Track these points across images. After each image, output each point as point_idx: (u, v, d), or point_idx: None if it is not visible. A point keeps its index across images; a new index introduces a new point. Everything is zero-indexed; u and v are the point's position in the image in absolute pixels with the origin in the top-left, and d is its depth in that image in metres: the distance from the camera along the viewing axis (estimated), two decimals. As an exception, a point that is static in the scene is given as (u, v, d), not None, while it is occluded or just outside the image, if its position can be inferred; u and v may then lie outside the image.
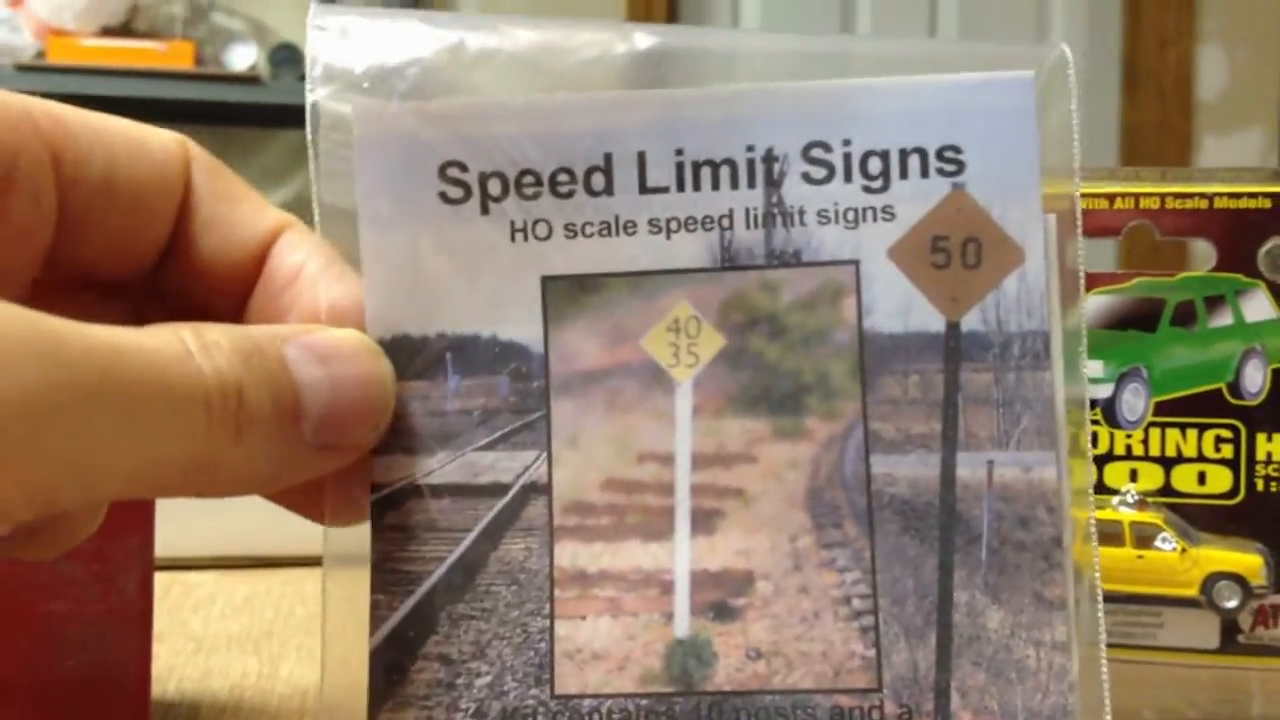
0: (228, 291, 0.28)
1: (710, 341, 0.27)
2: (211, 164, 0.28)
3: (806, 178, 0.27)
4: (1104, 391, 0.39)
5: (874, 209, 0.27)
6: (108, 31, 2.07)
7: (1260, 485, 0.39)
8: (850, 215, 0.27)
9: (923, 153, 0.27)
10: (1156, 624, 0.39)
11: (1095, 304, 0.40)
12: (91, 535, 0.30)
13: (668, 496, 0.27)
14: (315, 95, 0.27)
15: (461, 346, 0.27)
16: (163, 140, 0.27)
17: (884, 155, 0.27)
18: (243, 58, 2.15)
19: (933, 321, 0.26)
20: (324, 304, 0.27)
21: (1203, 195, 0.39)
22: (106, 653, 0.31)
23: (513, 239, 0.27)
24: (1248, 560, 0.38)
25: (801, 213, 0.27)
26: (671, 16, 2.35)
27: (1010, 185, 0.26)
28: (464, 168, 0.27)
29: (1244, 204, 0.38)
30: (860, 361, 0.27)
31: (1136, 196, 0.39)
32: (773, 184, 0.27)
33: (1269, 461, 0.39)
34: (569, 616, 0.27)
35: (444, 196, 0.27)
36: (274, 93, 2.11)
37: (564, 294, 0.27)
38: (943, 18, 2.35)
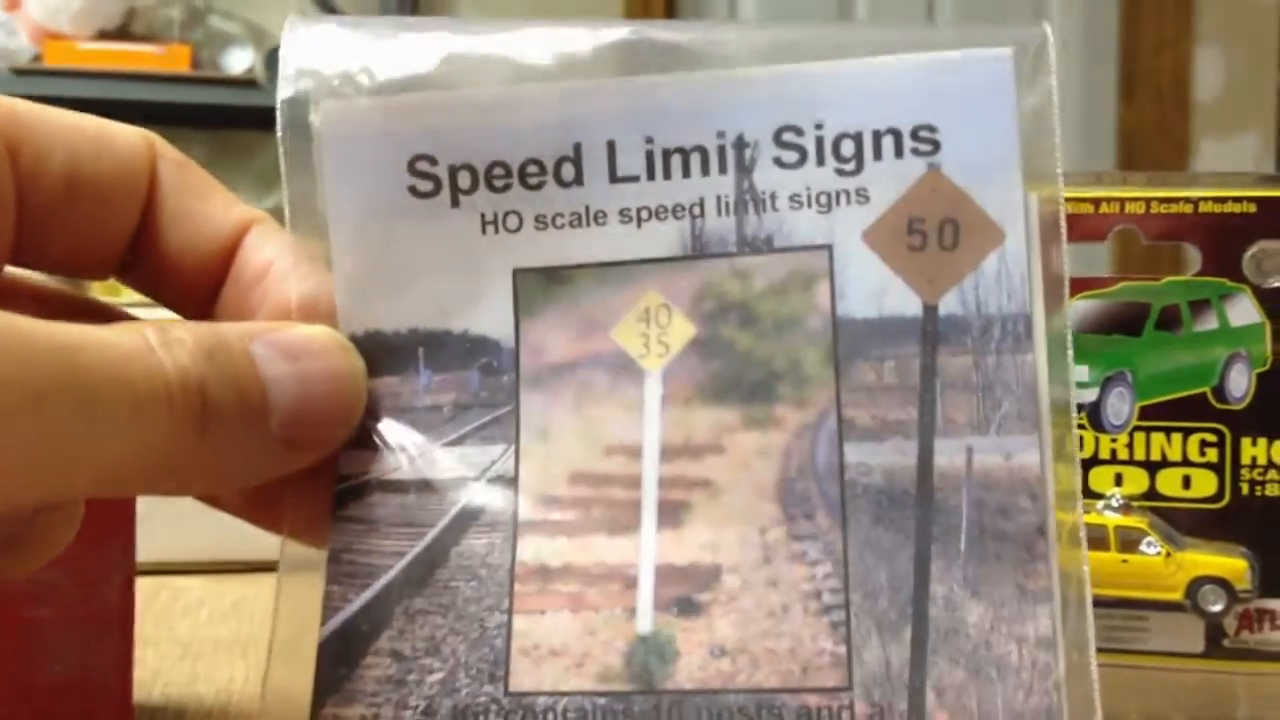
0: (196, 286, 0.28)
1: (681, 330, 0.26)
2: (178, 159, 0.28)
3: (778, 162, 0.26)
4: (1089, 395, 0.39)
5: (847, 192, 0.26)
6: (104, 35, 2.07)
7: (1245, 489, 0.39)
8: (823, 199, 0.26)
9: (897, 133, 0.26)
10: (1142, 628, 0.39)
11: (1080, 308, 0.40)
12: (72, 542, 0.29)
13: (635, 489, 0.26)
14: (284, 94, 0.27)
15: (433, 341, 0.27)
16: (128, 136, 0.27)
17: (857, 137, 0.26)
18: (239, 61, 2.15)
19: (909, 305, 0.26)
20: (294, 299, 0.27)
21: (1188, 199, 0.39)
22: (88, 659, 0.31)
23: (484, 231, 0.27)
24: (1232, 564, 0.38)
25: (773, 198, 0.26)
26: (669, 13, 2.35)
27: (988, 164, 0.26)
28: (433, 161, 0.27)
29: (1229, 208, 0.38)
30: (834, 348, 0.26)
31: (1122, 201, 0.39)
32: (744, 170, 0.26)
33: (1254, 466, 0.39)
34: (528, 612, 0.26)
35: (414, 190, 0.27)
36: (270, 96, 2.09)
37: (535, 286, 0.27)
38: (939, 18, 2.35)
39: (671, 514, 0.26)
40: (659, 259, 0.26)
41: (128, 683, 0.31)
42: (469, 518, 0.26)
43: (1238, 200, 0.38)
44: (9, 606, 0.30)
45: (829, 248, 0.26)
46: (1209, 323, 0.39)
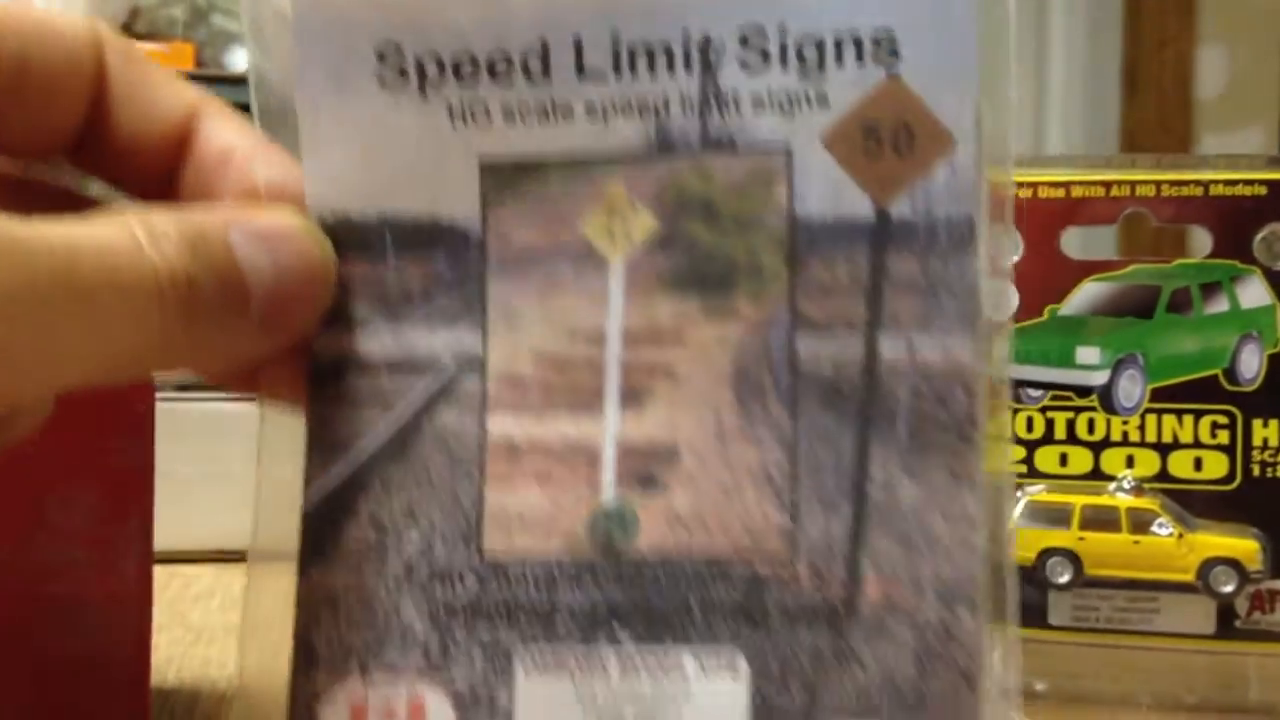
0: (151, 170, 0.28)
1: (644, 224, 0.27)
2: (124, 45, 0.28)
3: (742, 64, 0.27)
4: (1100, 378, 0.40)
5: (808, 96, 0.27)
6: (108, 33, 2.07)
7: (1256, 470, 0.39)
8: (785, 102, 0.27)
9: (858, 39, 0.27)
10: (1153, 610, 0.39)
11: (1092, 291, 0.40)
12: (90, 519, 0.30)
13: (598, 372, 0.27)
14: None
15: (401, 226, 0.28)
16: (74, 24, 0.28)
17: (819, 43, 0.27)
18: (243, 59, 2.15)
19: (862, 208, 0.27)
20: (261, 183, 0.27)
21: (1198, 182, 0.39)
22: (105, 636, 0.31)
23: (451, 122, 0.27)
24: (1244, 545, 0.39)
25: (736, 100, 0.27)
26: None
27: (945, 72, 0.27)
28: (401, 51, 0.27)
29: (1240, 191, 0.39)
30: (790, 245, 0.27)
31: (1133, 184, 0.39)
32: (708, 71, 0.27)
33: (1265, 447, 0.39)
34: (498, 485, 0.27)
35: (381, 80, 0.27)
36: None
37: (501, 177, 0.27)
38: None
39: (633, 397, 0.27)
40: (624, 155, 0.27)
41: (146, 661, 0.31)
42: (440, 395, 0.28)
43: (1248, 183, 0.39)
44: (25, 583, 0.30)
45: (789, 150, 0.27)
46: (1220, 305, 0.39)
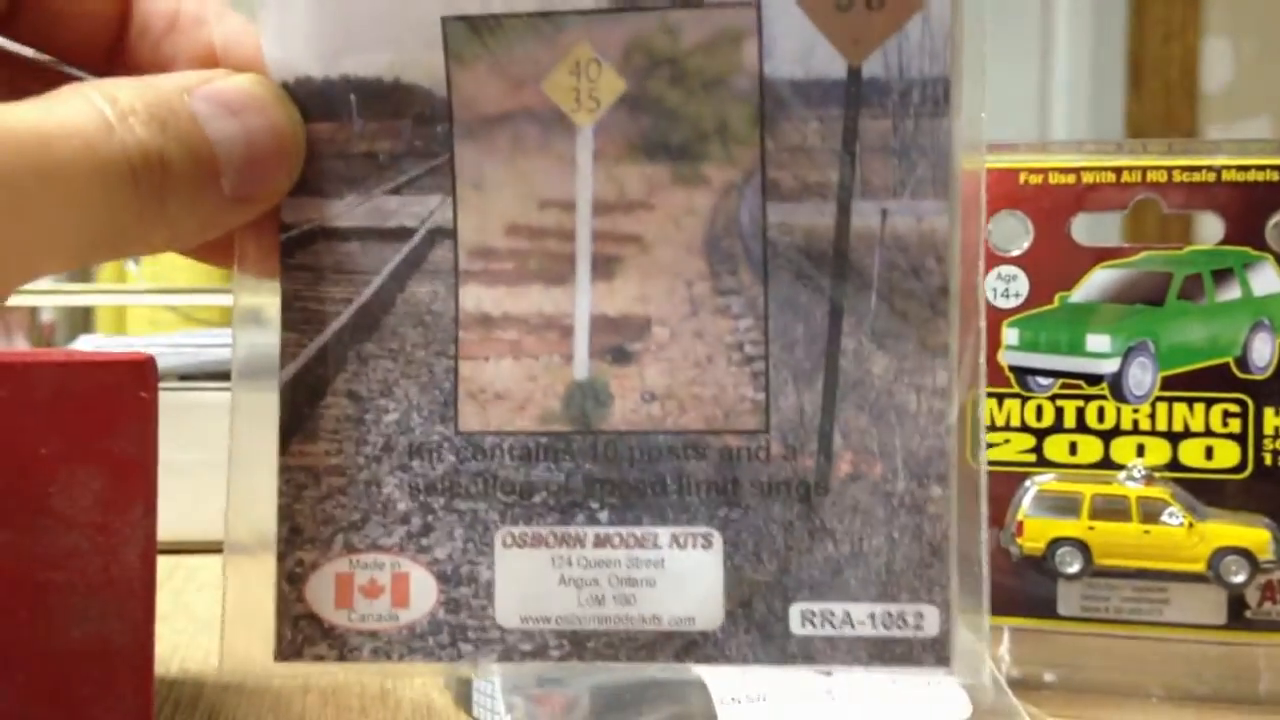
0: (92, 38, 0.28)
1: (611, 85, 0.27)
2: None
3: None
4: (1111, 366, 0.39)
5: None
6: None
7: (1268, 460, 0.38)
8: None
9: None
10: (1163, 600, 0.39)
11: (1102, 278, 0.40)
12: (92, 506, 0.29)
13: (569, 242, 0.27)
14: None
15: (365, 89, 0.27)
16: None
17: None
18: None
19: (834, 67, 0.26)
20: (217, 44, 0.27)
21: (1210, 168, 0.38)
22: (108, 623, 0.31)
23: None
24: (1255, 535, 0.38)
25: None
26: None
27: None
28: None
29: (1252, 177, 0.38)
30: (760, 108, 0.26)
31: (1144, 170, 0.39)
32: None
33: (1277, 436, 0.38)
34: (473, 357, 0.27)
35: None
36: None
37: (464, 35, 0.27)
38: None
39: (604, 267, 0.27)
40: (588, 10, 0.26)
41: (149, 649, 0.31)
42: (411, 266, 0.27)
43: (1261, 168, 0.38)
44: (27, 570, 0.30)
45: (757, 4, 0.26)
46: (1232, 292, 0.39)
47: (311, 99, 0.27)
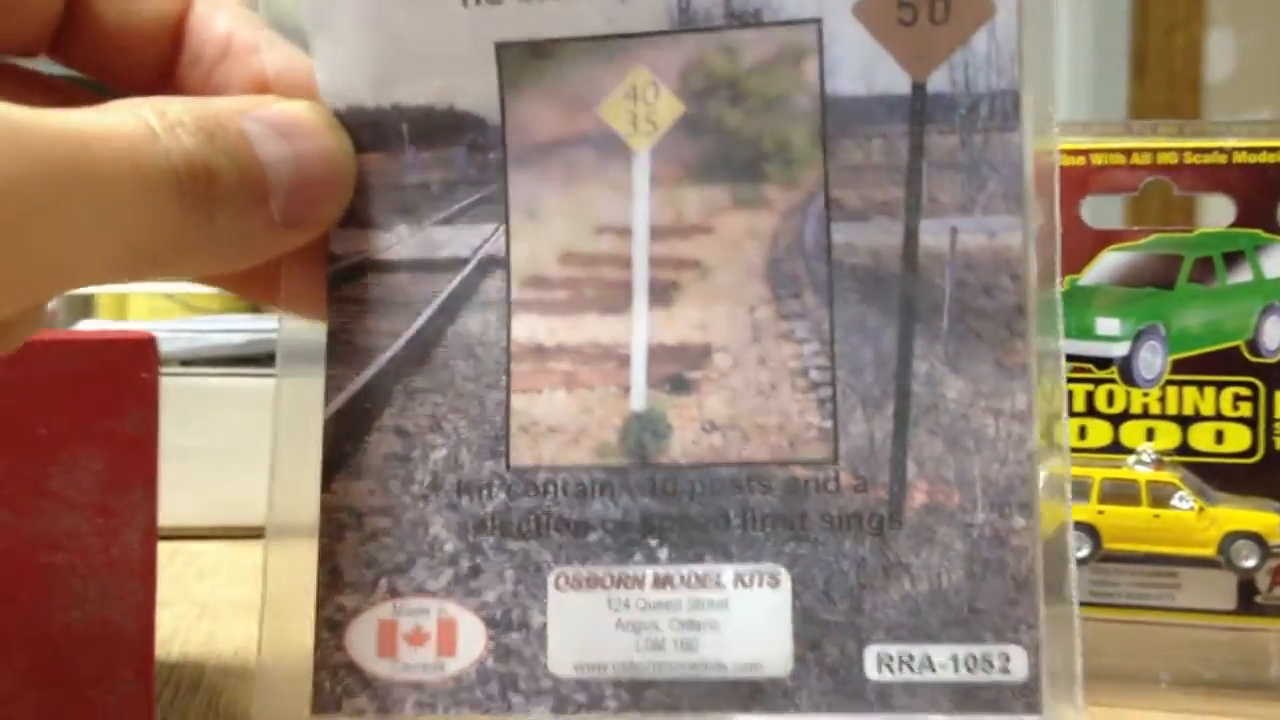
0: (144, 62, 0.27)
1: (669, 108, 0.26)
2: None
3: None
4: (1121, 349, 0.39)
5: None
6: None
7: (1279, 444, 0.38)
8: None
9: None
10: (1173, 584, 0.39)
11: (1112, 261, 0.39)
12: (93, 488, 0.29)
13: (625, 269, 0.26)
14: None
15: (417, 117, 0.26)
16: None
17: None
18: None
19: (898, 82, 0.25)
20: (270, 74, 0.26)
21: (1221, 150, 0.38)
22: (108, 606, 0.30)
23: (465, 4, 0.26)
24: (1266, 519, 0.38)
25: None
26: None
27: None
28: None
29: (1263, 159, 0.38)
30: (822, 126, 0.26)
31: (1154, 151, 0.39)
32: None
33: (1288, 419, 0.38)
34: (525, 390, 0.26)
35: None
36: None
37: (519, 61, 0.26)
38: None
39: (662, 293, 0.26)
40: (645, 33, 0.26)
41: (150, 632, 0.31)
42: (462, 297, 0.27)
43: (1272, 150, 0.38)
44: (27, 552, 0.30)
45: (818, 22, 0.25)
46: (1243, 275, 0.39)
47: (363, 127, 0.26)
